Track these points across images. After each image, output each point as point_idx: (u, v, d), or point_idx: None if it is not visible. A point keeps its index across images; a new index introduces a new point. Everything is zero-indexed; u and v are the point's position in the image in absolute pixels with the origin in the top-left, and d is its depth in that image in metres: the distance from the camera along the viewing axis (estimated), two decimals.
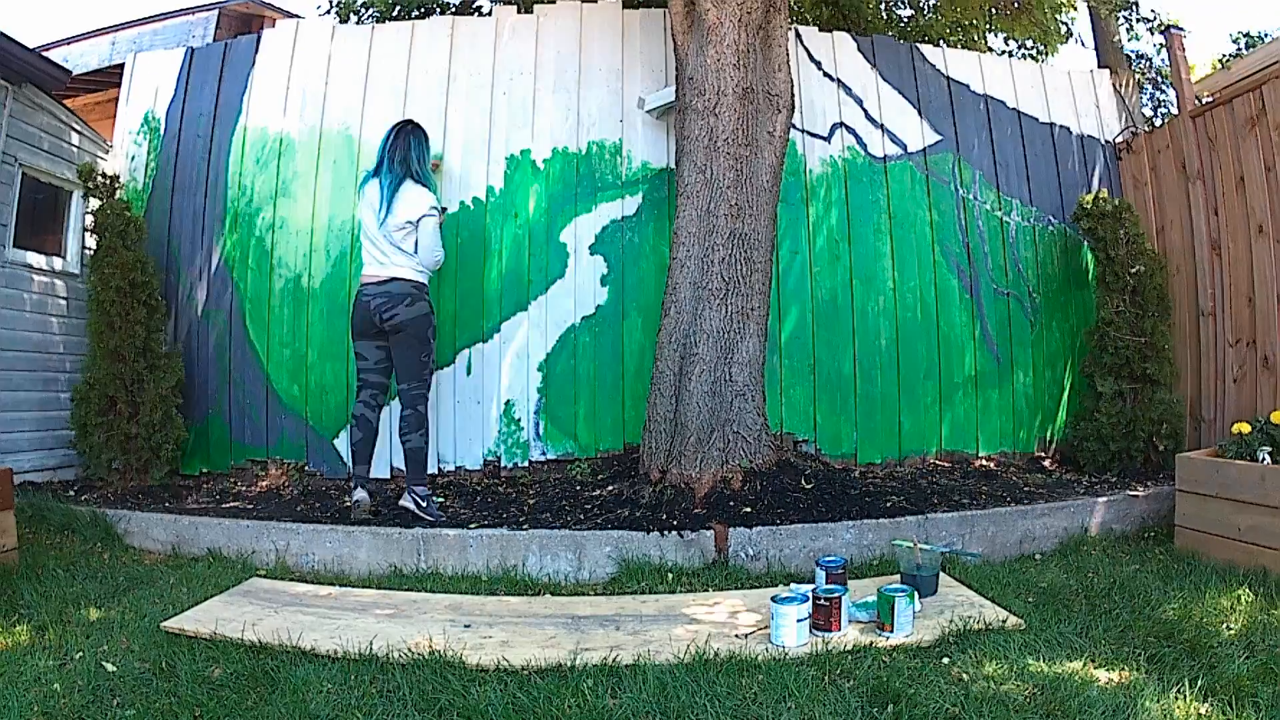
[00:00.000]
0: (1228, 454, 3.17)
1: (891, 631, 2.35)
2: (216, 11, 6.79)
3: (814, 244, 4.63)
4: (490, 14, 4.91)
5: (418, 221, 3.58)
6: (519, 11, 4.82)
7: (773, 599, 2.36)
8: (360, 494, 3.54)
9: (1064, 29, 6.85)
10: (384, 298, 3.55)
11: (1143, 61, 10.54)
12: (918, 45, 5.08)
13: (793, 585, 2.68)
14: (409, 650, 2.24)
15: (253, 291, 4.52)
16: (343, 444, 4.40)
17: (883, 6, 6.81)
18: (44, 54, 4.60)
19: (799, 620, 2.31)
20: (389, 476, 4.36)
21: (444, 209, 3.94)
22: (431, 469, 4.39)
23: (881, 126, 4.80)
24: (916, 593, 2.54)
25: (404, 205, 3.57)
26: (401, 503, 3.60)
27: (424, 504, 3.55)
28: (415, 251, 3.60)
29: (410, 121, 3.81)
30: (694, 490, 3.51)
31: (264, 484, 4.35)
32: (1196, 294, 4.46)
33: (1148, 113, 9.85)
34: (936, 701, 1.91)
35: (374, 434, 3.69)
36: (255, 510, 3.80)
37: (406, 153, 3.66)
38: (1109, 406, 4.19)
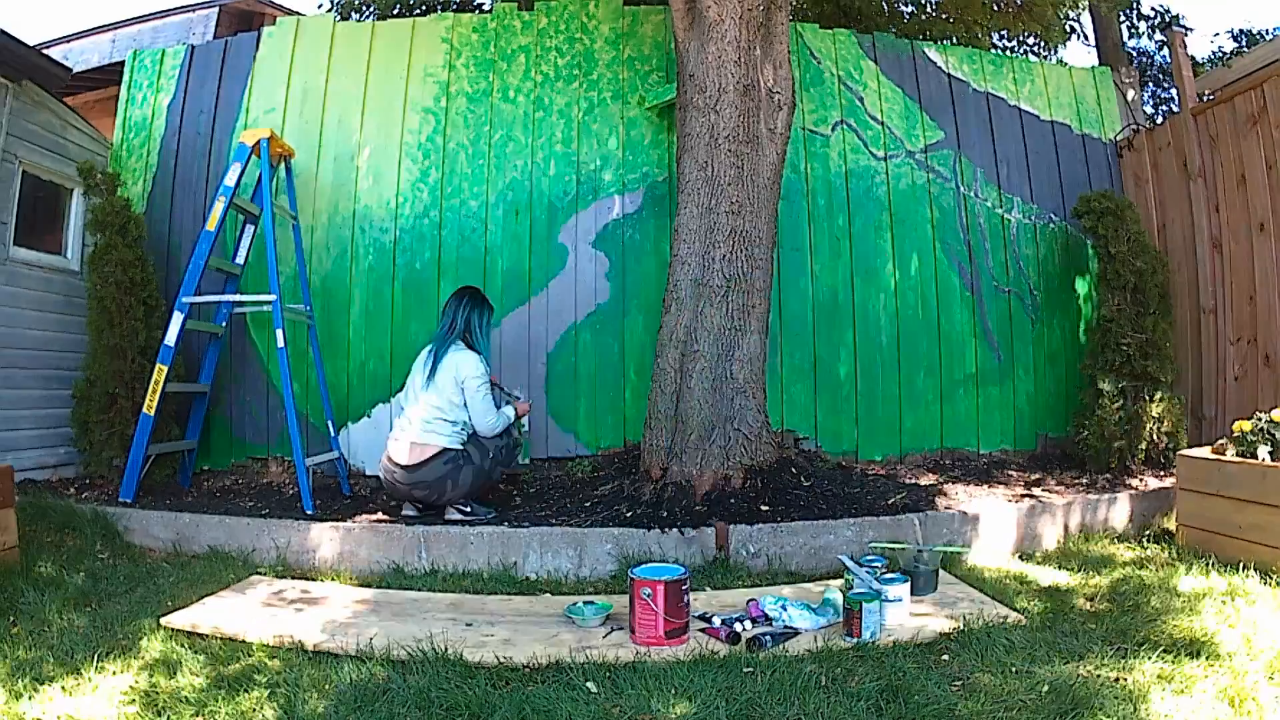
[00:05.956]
0: (1228, 452, 3.17)
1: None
2: (217, 9, 6.78)
3: (815, 241, 4.62)
4: (491, 12, 4.91)
5: (462, 386, 3.49)
6: (519, 9, 4.82)
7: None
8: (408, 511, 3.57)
9: (1068, 28, 6.84)
10: (422, 488, 3.45)
11: (1144, 58, 10.51)
12: (918, 42, 5.08)
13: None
14: (410, 649, 2.24)
15: (253, 289, 4.51)
16: (344, 442, 4.39)
17: (884, 3, 6.79)
18: (44, 51, 4.60)
19: (887, 601, 2.38)
20: None
21: (492, 380, 3.72)
22: None
23: (882, 124, 4.80)
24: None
25: (446, 372, 3.49)
26: (446, 516, 3.49)
27: (469, 512, 3.49)
28: (465, 419, 3.52)
29: (471, 289, 3.76)
30: (695, 488, 3.51)
31: (265, 481, 4.35)
32: (1198, 291, 4.45)
33: (1149, 110, 9.83)
34: (939, 699, 1.91)
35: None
36: (256, 508, 3.80)
37: (469, 317, 3.64)
38: (1110, 404, 4.18)
